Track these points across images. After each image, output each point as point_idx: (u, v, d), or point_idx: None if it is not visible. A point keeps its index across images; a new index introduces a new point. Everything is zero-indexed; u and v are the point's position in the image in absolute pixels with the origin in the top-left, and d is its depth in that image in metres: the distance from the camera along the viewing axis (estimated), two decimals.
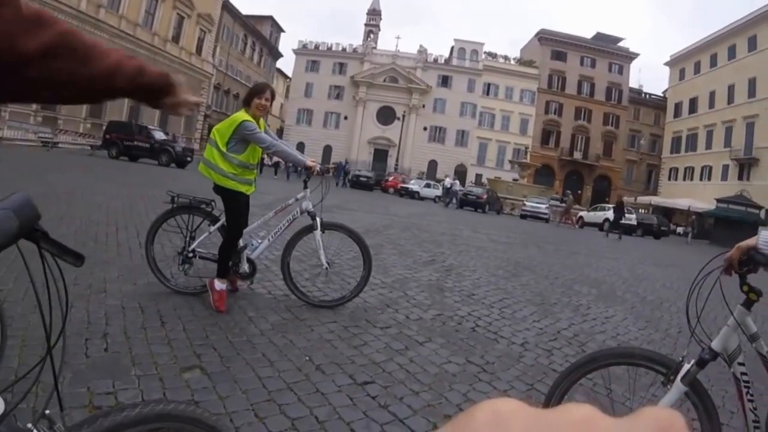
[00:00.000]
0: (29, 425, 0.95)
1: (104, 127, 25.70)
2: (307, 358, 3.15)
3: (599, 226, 29.16)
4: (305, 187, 4.29)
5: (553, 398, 2.18)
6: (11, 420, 0.94)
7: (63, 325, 0.95)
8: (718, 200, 37.66)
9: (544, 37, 56.33)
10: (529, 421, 0.21)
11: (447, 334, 4.07)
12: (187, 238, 4.09)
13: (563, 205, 29.59)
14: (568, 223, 27.86)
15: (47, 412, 0.98)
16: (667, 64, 55.90)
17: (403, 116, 50.17)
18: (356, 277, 4.71)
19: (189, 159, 24.18)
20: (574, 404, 0.22)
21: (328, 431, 2.35)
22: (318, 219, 4.24)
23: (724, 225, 32.84)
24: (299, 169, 4.29)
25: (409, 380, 3.05)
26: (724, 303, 1.94)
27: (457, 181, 33.93)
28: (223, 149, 3.86)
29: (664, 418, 0.22)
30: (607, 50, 56.77)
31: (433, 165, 54.93)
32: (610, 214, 29.13)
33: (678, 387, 1.90)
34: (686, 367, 1.91)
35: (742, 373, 1.92)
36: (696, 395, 1.95)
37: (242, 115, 3.88)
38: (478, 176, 52.09)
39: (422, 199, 33.46)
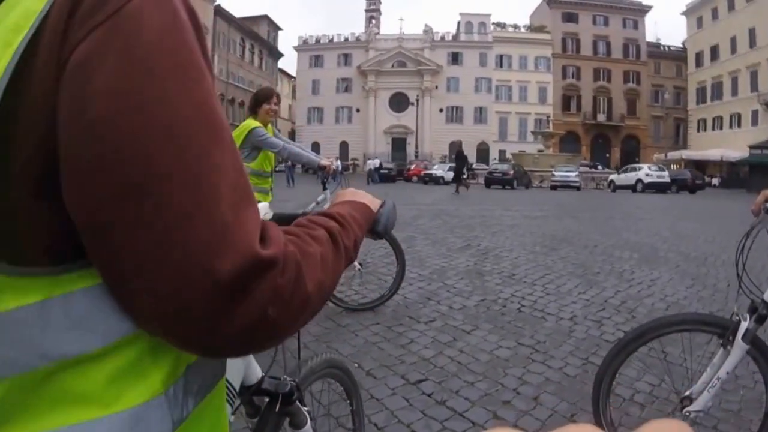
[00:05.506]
0: (284, 376, 1.23)
1: None
2: (356, 364, 3.11)
3: (631, 188, 28.47)
4: (324, 189, 4.24)
5: (603, 379, 2.13)
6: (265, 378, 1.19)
7: None
8: (751, 147, 37.07)
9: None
10: None
11: (493, 318, 4.01)
12: None
13: (594, 170, 29.19)
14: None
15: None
16: (683, 13, 54.38)
17: (417, 101, 49.07)
18: (392, 274, 4.63)
19: None
20: (575, 425, 0.22)
21: None
22: None
23: (761, 171, 31.90)
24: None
25: (462, 372, 3.01)
26: None
27: (378, 161, 36.08)
28: None
29: (672, 430, 0.21)
30: (619, 6, 55.24)
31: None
32: (642, 175, 28.45)
33: (740, 346, 1.89)
34: (745, 325, 1.89)
35: None
36: (758, 351, 1.95)
37: (251, 123, 3.84)
38: (502, 152, 51.14)
39: (447, 183, 33.15)
